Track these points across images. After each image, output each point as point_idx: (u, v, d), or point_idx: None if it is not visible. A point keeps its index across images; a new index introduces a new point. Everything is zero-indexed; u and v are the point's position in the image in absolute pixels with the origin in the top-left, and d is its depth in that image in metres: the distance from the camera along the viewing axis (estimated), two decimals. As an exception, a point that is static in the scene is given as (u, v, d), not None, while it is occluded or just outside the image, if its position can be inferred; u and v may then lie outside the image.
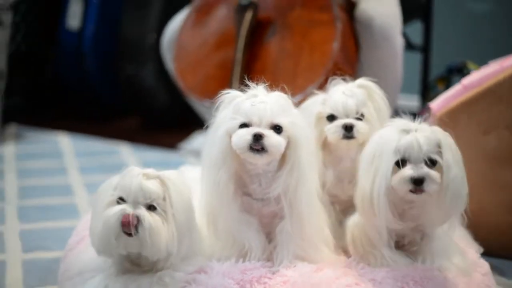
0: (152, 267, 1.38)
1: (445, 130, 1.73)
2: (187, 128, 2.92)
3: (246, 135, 1.34)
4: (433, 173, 1.36)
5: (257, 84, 1.43)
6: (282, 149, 1.36)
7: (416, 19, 2.68)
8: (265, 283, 1.33)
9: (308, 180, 1.40)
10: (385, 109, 1.63)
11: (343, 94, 1.59)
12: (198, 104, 2.35)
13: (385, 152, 1.38)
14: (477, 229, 1.72)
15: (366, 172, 1.41)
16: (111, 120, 3.28)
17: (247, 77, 2.14)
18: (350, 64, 2.20)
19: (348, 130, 1.56)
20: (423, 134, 1.38)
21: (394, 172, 1.37)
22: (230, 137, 1.36)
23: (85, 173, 2.52)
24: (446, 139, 1.40)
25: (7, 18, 2.94)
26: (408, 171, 1.36)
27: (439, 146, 1.38)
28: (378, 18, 2.17)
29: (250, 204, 1.42)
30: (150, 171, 1.36)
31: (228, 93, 1.43)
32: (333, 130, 1.57)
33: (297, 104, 1.55)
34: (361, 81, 1.64)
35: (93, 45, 3.16)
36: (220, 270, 1.35)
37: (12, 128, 3.08)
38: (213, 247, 1.44)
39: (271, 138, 1.34)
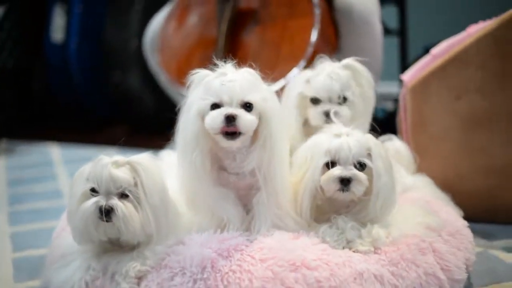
0: (133, 246, 1.40)
1: (417, 99, 1.77)
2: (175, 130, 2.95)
3: (218, 116, 1.35)
4: (360, 174, 1.41)
5: (225, 62, 1.44)
6: (255, 127, 1.37)
7: (390, 3, 2.71)
8: (242, 250, 1.35)
9: (281, 152, 1.41)
10: (370, 91, 1.66)
11: (329, 77, 1.61)
12: (181, 96, 2.39)
13: (316, 154, 1.43)
14: (457, 195, 1.75)
15: (296, 174, 1.46)
16: (100, 129, 3.31)
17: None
18: (329, 52, 2.24)
19: (329, 115, 1.58)
20: (354, 138, 1.43)
21: (323, 173, 1.42)
22: (202, 117, 1.38)
23: (74, 178, 2.54)
24: (376, 147, 1.43)
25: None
26: (336, 171, 1.41)
27: (369, 151, 1.42)
28: (357, 3, 2.21)
29: (226, 178, 1.44)
30: (120, 158, 1.38)
31: (197, 72, 1.44)
32: (316, 116, 1.60)
33: (279, 91, 1.59)
34: (347, 61, 1.65)
35: (77, 56, 3.20)
36: (199, 241, 1.37)
37: (3, 144, 3.11)
38: (192, 222, 1.46)
39: (243, 119, 1.35)
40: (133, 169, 1.37)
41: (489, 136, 1.83)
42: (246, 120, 1.35)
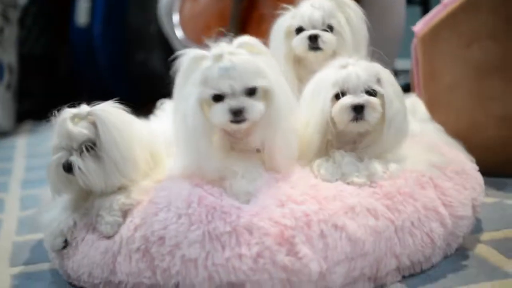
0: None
1: (427, 49, 1.70)
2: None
3: (223, 111, 1.25)
4: (373, 99, 1.33)
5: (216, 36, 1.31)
6: (263, 113, 1.27)
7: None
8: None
9: (286, 129, 1.32)
10: (359, 21, 1.59)
11: (311, 6, 1.58)
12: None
13: (324, 87, 1.36)
14: (471, 147, 1.67)
15: (304, 110, 1.39)
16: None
17: (245, 27, 2.15)
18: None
19: (313, 40, 1.54)
20: (361, 66, 1.36)
21: (333, 105, 1.35)
22: (203, 106, 1.27)
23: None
24: (385, 73, 1.37)
25: (14, 15, 3.00)
26: (347, 99, 1.34)
27: (378, 77, 1.36)
28: None
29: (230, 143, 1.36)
30: (81, 110, 1.35)
31: (189, 52, 1.30)
32: (299, 41, 1.56)
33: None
34: None
35: (102, 39, 3.20)
36: (190, 180, 1.32)
37: (27, 125, 3.13)
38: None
39: (251, 110, 1.25)
40: (93, 121, 1.33)
41: (503, 84, 1.75)
42: (254, 110, 1.25)
